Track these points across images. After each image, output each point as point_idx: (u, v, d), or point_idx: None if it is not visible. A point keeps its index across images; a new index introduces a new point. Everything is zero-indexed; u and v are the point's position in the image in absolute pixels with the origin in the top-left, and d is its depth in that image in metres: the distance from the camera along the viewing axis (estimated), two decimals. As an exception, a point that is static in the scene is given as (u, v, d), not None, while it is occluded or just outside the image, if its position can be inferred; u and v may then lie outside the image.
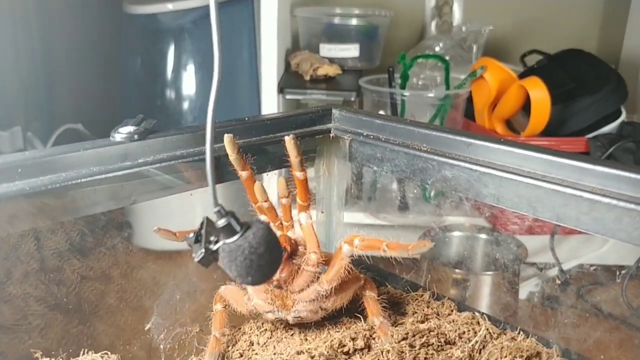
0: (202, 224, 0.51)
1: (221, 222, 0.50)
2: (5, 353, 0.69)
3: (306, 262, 0.67)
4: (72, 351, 0.66)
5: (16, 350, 0.69)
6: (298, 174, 0.66)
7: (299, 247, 0.68)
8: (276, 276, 0.64)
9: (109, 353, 0.63)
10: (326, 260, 0.68)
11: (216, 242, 0.50)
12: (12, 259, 0.71)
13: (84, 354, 0.62)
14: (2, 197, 0.55)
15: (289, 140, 0.64)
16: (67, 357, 0.62)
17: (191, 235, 0.52)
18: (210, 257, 0.51)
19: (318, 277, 0.67)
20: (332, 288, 0.67)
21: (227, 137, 0.64)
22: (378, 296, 0.73)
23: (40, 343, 0.71)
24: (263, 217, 0.70)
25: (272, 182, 0.78)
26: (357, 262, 0.88)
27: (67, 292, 0.74)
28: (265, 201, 0.67)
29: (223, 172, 0.67)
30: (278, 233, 0.69)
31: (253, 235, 0.50)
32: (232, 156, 0.64)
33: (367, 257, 0.86)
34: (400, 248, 0.61)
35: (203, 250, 0.50)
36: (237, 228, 0.50)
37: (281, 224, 0.70)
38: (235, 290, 0.72)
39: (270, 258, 0.51)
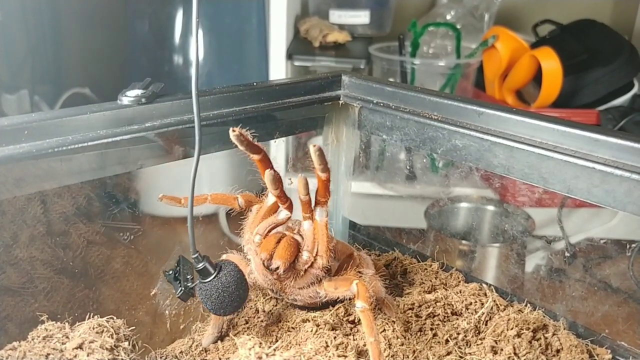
0: (178, 262, 0.63)
1: (199, 266, 0.59)
2: (12, 316, 0.69)
3: (312, 264, 0.63)
4: (78, 315, 0.66)
5: (22, 313, 0.69)
6: (321, 175, 0.58)
7: (303, 253, 0.63)
8: (277, 272, 0.63)
9: (115, 318, 0.63)
10: (336, 252, 0.66)
11: (192, 280, 0.61)
12: (19, 222, 0.71)
13: (89, 318, 0.62)
14: (8, 159, 0.55)
15: (314, 151, 0.55)
16: (73, 321, 0.62)
17: (170, 272, 0.63)
18: (189, 294, 0.63)
19: (320, 280, 0.65)
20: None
21: (233, 135, 0.55)
22: (380, 267, 0.73)
23: (46, 306, 0.71)
24: (271, 197, 0.65)
25: (279, 149, 0.77)
26: (363, 230, 0.88)
27: (73, 256, 0.74)
28: (276, 189, 0.59)
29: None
30: (284, 218, 0.65)
31: (225, 276, 0.60)
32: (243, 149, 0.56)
33: (373, 226, 0.86)
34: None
35: (182, 288, 0.62)
36: (212, 270, 0.60)
37: (289, 206, 0.63)
38: (238, 260, 0.69)
39: (238, 294, 0.61)
